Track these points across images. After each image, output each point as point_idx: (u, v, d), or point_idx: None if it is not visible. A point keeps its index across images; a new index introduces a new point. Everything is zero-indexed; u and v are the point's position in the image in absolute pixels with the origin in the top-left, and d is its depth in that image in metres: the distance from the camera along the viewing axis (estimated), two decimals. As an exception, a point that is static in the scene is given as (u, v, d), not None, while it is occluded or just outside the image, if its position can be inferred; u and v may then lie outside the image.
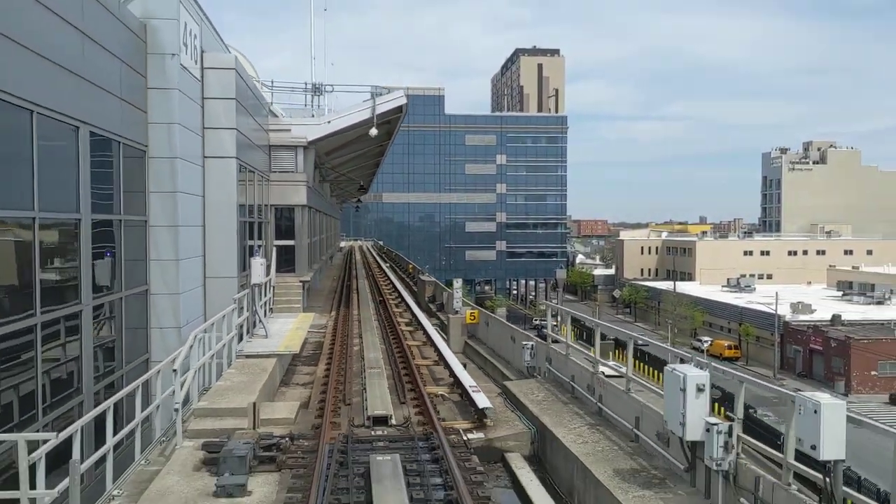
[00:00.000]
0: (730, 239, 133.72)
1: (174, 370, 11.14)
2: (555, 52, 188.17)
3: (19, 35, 9.94)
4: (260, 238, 23.83)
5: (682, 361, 10.85)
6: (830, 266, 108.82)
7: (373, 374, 16.25)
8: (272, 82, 30.17)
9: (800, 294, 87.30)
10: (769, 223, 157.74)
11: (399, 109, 30.87)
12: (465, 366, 17.44)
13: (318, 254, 37.52)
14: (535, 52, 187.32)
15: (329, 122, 28.57)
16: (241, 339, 16.81)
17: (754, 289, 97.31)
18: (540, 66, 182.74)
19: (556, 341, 16.36)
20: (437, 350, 20.05)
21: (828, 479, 6.77)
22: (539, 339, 17.99)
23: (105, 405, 9.47)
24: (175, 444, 11.08)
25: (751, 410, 42.54)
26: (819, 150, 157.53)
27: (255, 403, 12.04)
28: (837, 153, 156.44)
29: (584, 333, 53.13)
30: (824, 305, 79.85)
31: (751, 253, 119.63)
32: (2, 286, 10.24)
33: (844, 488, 6.85)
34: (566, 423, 12.47)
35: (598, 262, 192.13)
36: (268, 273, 20.32)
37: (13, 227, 10.34)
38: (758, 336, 77.45)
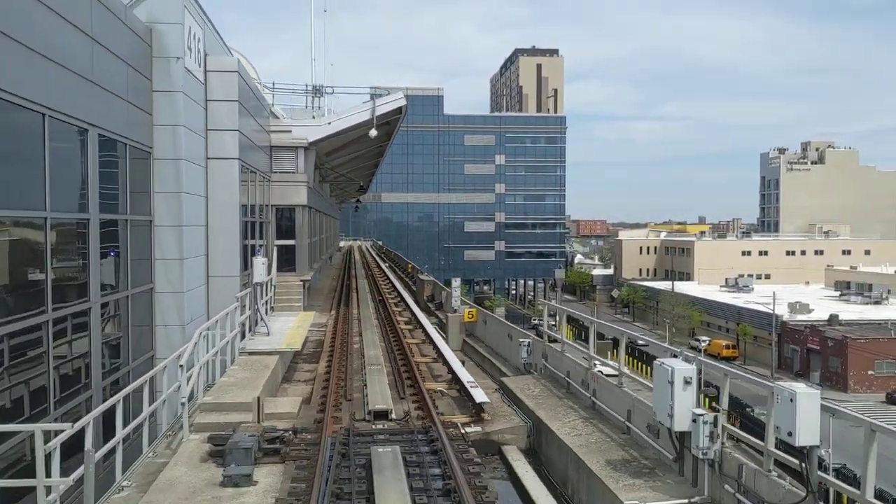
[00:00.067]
0: (728, 239, 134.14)
1: (181, 365, 11.49)
2: (554, 52, 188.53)
3: (32, 41, 10.28)
4: (261, 238, 24.17)
5: (676, 357, 11.21)
6: (828, 266, 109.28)
7: (373, 370, 16.60)
8: (273, 84, 30.61)
9: (798, 294, 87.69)
10: (767, 223, 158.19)
11: (398, 111, 31.23)
12: (463, 363, 17.76)
13: (318, 253, 37.89)
14: (534, 52, 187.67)
15: (329, 123, 28.95)
16: (243, 336, 17.16)
17: (752, 289, 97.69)
18: (539, 67, 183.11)
19: (553, 340, 16.65)
20: (435, 348, 20.39)
21: (804, 464, 7.15)
22: (536, 337, 18.32)
23: (115, 398, 9.80)
24: (181, 438, 11.41)
25: (748, 409, 42.96)
26: (817, 150, 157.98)
27: (259, 398, 12.40)
28: (835, 153, 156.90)
29: (582, 333, 53.49)
30: (822, 305, 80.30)
31: (749, 253, 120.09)
32: (15, 284, 10.59)
33: (821, 473, 7.22)
34: (561, 417, 12.84)
35: (596, 262, 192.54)
36: (269, 272, 20.66)
37: (26, 227, 10.70)
38: (756, 336, 77.91)
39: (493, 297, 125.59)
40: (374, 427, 12.45)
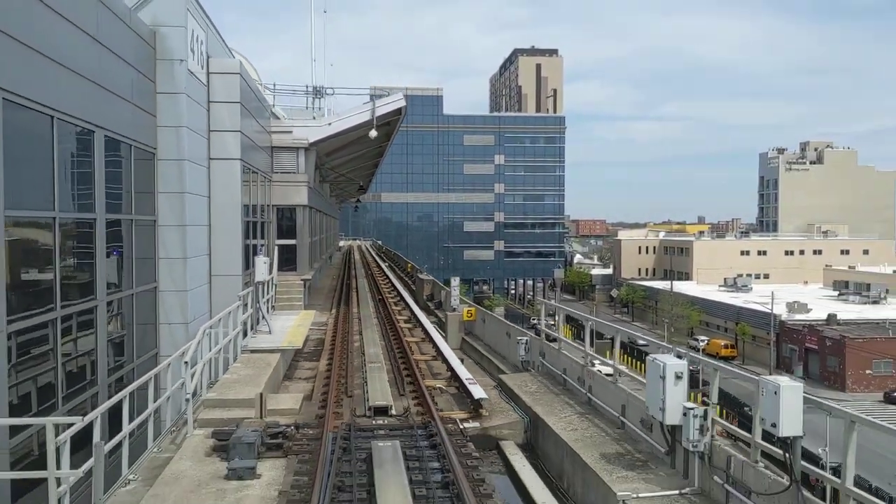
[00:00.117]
0: (727, 239, 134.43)
1: (185, 362, 11.74)
2: (553, 52, 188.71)
3: (41, 45, 10.54)
4: (262, 237, 24.44)
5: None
6: (827, 266, 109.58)
7: (373, 368, 16.85)
8: (274, 85, 30.84)
9: (796, 294, 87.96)
10: (766, 223, 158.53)
11: (398, 111, 31.50)
12: (462, 361, 18.01)
13: (318, 253, 38.15)
14: (533, 52, 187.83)
15: (330, 124, 29.22)
16: (245, 334, 17.42)
17: (751, 288, 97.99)
18: (538, 67, 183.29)
19: (552, 339, 16.85)
20: (435, 346, 20.65)
21: (787, 454, 7.43)
22: (534, 335, 18.57)
23: (123, 394, 10.05)
24: (186, 433, 11.67)
25: (746, 408, 43.24)
26: (816, 150, 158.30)
27: (261, 394, 12.66)
28: (834, 153, 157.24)
29: (580, 333, 53.75)
30: (820, 305, 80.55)
31: (748, 253, 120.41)
32: (25, 282, 10.84)
33: (803, 463, 7.50)
34: (557, 413, 13.11)
35: (595, 261, 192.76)
36: (270, 271, 20.92)
37: (35, 227, 10.96)
38: (754, 335, 78.18)
39: (492, 297, 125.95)
40: (374, 423, 12.71)
